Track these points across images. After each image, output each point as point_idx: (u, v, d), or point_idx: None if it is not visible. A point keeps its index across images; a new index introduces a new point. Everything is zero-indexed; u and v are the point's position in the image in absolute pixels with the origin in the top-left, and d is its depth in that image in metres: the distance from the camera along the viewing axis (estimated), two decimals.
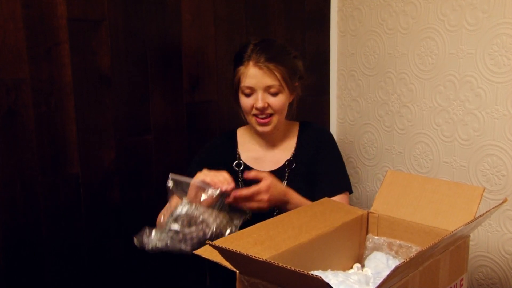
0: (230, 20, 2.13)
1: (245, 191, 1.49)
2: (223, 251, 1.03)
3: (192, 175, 1.70)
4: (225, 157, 1.80)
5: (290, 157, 1.78)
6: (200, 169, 1.69)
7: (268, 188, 1.50)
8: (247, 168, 1.76)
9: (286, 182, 1.74)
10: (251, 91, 1.65)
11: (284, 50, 1.71)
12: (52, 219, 1.90)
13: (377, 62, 2.12)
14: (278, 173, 1.73)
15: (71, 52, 1.84)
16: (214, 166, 1.71)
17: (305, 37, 2.29)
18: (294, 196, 1.58)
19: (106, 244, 2.01)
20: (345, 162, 2.36)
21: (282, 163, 1.78)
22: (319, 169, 1.75)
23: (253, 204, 1.50)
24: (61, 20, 1.81)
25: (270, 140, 1.80)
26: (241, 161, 1.79)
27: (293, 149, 1.80)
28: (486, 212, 1.21)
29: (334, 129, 2.41)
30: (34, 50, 1.78)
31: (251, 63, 1.63)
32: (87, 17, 1.86)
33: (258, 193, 1.49)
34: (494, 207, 1.25)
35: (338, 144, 2.39)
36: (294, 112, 1.81)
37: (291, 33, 2.26)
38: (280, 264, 0.91)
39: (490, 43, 1.61)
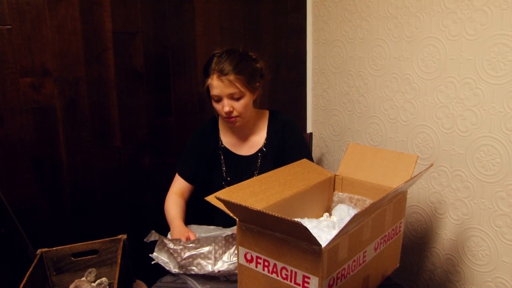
0: (232, 30, 2.11)
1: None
2: (226, 203, 1.02)
3: (188, 160, 1.70)
4: (210, 143, 1.70)
5: (262, 146, 1.67)
6: (194, 155, 1.68)
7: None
8: (228, 151, 1.69)
9: (258, 167, 1.66)
10: (218, 98, 1.53)
11: (243, 58, 1.54)
12: (102, 179, 1.93)
13: (341, 62, 2.10)
14: (252, 159, 1.67)
15: (114, 56, 1.85)
16: (202, 151, 1.69)
17: (288, 43, 2.29)
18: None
19: (140, 196, 2.03)
20: (317, 138, 2.36)
21: (255, 150, 1.67)
22: (287, 153, 1.65)
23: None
24: (108, 33, 1.82)
25: (244, 130, 1.68)
26: (223, 145, 1.69)
27: (264, 138, 1.67)
28: (418, 173, 1.21)
29: (309, 112, 2.39)
30: (88, 56, 1.80)
31: (214, 76, 1.50)
32: (126, 30, 1.85)
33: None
34: (423, 170, 1.26)
35: (312, 124, 2.39)
36: (259, 103, 1.69)
37: (277, 41, 2.24)
38: (270, 213, 0.92)
39: (488, 51, 1.41)
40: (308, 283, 0.98)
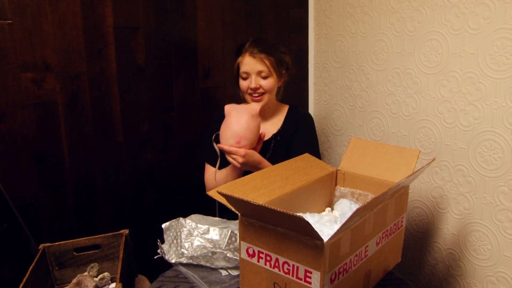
0: (234, 25, 2.10)
1: (226, 147, 1.48)
2: (228, 198, 1.02)
3: (207, 142, 1.70)
4: None
5: (276, 132, 1.74)
6: (212, 136, 1.68)
7: (244, 154, 1.48)
8: None
9: (271, 151, 1.72)
10: (247, 76, 1.63)
11: (273, 46, 1.68)
12: (104, 174, 1.92)
13: (343, 57, 2.09)
14: (265, 144, 1.71)
15: (116, 52, 1.84)
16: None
17: (290, 38, 2.28)
18: (266, 165, 1.54)
19: (142, 192, 2.03)
20: (319, 133, 2.34)
21: (269, 136, 1.74)
22: (295, 143, 1.72)
23: (230, 159, 1.50)
24: (109, 28, 1.81)
25: (263, 116, 1.75)
26: None
27: (280, 126, 1.75)
28: (420, 168, 1.21)
29: (311, 107, 2.38)
30: (89, 51, 1.79)
31: (247, 54, 1.61)
32: (128, 25, 1.85)
33: (235, 153, 1.48)
34: (425, 165, 1.26)
35: (313, 118, 2.38)
36: (282, 94, 1.78)
37: (279, 36, 2.24)
38: (272, 207, 0.91)
39: (491, 45, 1.40)
40: (310, 277, 0.98)
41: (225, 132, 1.50)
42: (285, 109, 1.80)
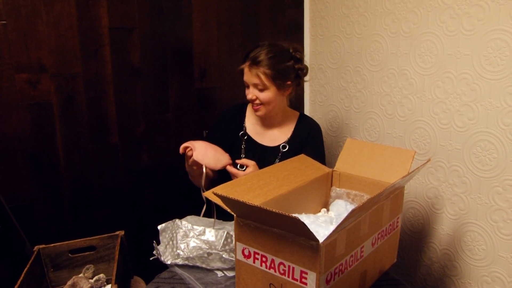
0: (230, 26, 2.10)
1: (235, 171, 1.52)
2: (223, 199, 1.02)
3: (212, 138, 1.70)
4: (234, 126, 1.75)
5: (286, 141, 1.72)
6: (217, 133, 1.72)
7: (254, 163, 1.54)
8: (250, 138, 1.73)
9: (277, 160, 1.70)
10: (246, 84, 1.62)
11: (281, 54, 1.59)
12: (100, 175, 1.92)
13: (339, 58, 2.10)
14: (273, 151, 1.71)
15: (111, 52, 1.83)
16: (225, 131, 1.72)
17: (286, 39, 2.27)
18: None
19: (138, 193, 2.03)
20: None
21: (278, 143, 1.72)
22: (304, 153, 1.69)
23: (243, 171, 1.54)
24: (105, 28, 1.80)
25: (270, 122, 1.74)
26: (246, 132, 1.73)
27: (289, 135, 1.73)
28: (415, 169, 1.21)
29: (307, 108, 2.38)
30: (85, 52, 1.78)
31: (247, 63, 1.58)
32: (123, 25, 1.84)
33: (246, 164, 1.55)
34: (420, 166, 1.26)
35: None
36: (288, 102, 1.76)
37: (275, 37, 2.23)
38: (268, 208, 0.92)
39: (485, 46, 1.41)
40: (305, 278, 0.98)
41: (217, 152, 1.55)
42: (295, 117, 1.77)
